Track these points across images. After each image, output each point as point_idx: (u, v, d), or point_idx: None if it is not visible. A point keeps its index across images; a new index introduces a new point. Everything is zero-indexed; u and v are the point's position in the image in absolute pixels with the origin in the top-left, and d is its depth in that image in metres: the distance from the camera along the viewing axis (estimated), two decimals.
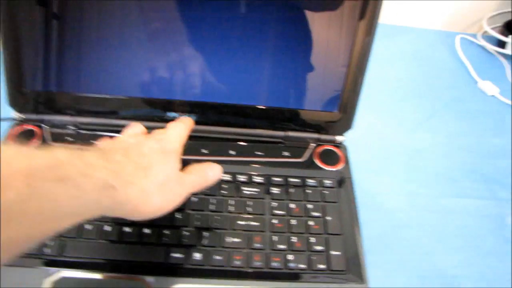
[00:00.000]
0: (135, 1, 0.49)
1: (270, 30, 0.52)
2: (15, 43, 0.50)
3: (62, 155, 0.32)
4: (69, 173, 0.31)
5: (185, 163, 0.50)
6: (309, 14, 0.50)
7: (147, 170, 0.37)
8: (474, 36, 0.90)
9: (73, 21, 0.50)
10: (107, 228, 0.46)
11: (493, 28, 0.89)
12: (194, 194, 0.49)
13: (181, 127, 0.46)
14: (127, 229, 0.46)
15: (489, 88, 0.78)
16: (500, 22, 0.90)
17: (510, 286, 0.50)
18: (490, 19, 0.91)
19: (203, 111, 0.54)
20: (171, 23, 0.52)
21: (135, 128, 0.47)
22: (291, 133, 0.56)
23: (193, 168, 0.43)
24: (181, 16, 0.51)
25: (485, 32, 0.89)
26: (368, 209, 0.53)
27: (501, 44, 0.87)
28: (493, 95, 0.77)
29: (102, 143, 0.42)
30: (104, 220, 0.46)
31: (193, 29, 0.52)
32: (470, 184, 0.61)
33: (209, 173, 0.43)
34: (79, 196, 0.31)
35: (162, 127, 0.49)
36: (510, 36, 0.84)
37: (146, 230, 0.46)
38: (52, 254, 0.44)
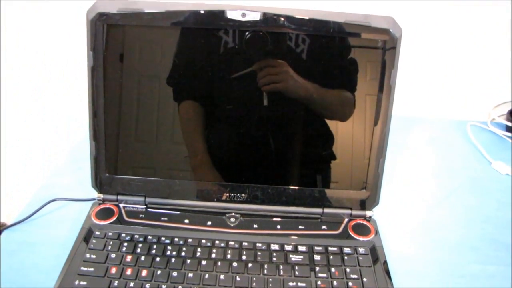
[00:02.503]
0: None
1: (300, 126, 0.65)
2: (101, 138, 0.64)
3: None
4: None
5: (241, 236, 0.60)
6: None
7: None
8: (484, 123, 1.00)
9: (145, 119, 0.64)
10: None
11: (500, 116, 1.00)
12: (250, 261, 0.58)
13: None
14: None
15: (502, 167, 0.86)
16: (505, 110, 1.01)
17: None
18: (497, 108, 1.02)
19: (252, 193, 0.65)
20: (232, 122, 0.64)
21: None
22: (328, 210, 0.65)
23: None
24: (241, 114, 0.64)
25: (493, 119, 1.00)
26: (398, 275, 0.60)
27: (509, 129, 0.97)
28: (506, 174, 0.85)
29: None
30: (176, 281, 0.56)
31: (236, 130, 0.64)
32: (492, 252, 0.67)
33: None
34: None
35: (218, 207, 0.60)
36: None
37: None
38: None
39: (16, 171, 1.20)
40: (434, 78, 1.03)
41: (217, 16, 0.57)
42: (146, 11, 0.58)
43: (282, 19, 0.57)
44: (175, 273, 0.56)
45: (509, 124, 0.97)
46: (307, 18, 0.58)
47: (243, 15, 0.57)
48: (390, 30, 0.58)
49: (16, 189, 1.20)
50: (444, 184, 0.82)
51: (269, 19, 0.57)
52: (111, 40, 0.60)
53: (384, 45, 0.59)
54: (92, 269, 0.57)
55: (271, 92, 0.62)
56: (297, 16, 0.58)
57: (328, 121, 0.64)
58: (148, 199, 0.66)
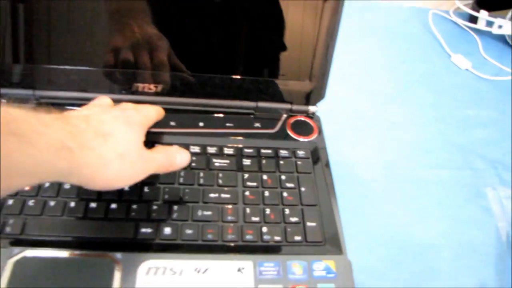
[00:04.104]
0: None
1: (238, 4, 0.50)
2: None
3: (15, 112, 0.30)
4: (22, 129, 0.29)
5: (153, 138, 0.48)
6: None
7: (107, 137, 0.35)
8: (447, 12, 0.90)
9: None
10: (72, 204, 0.43)
11: (465, 5, 0.89)
12: None
13: (150, 109, 0.44)
14: (93, 204, 0.43)
15: (462, 62, 0.77)
16: None
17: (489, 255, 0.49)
18: None
19: (171, 82, 0.52)
20: None
21: (101, 100, 0.45)
22: (262, 104, 0.54)
23: (162, 148, 0.41)
24: None
25: (457, 8, 0.89)
26: (344, 181, 0.51)
27: (473, 20, 0.86)
28: (466, 69, 0.77)
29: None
30: (68, 196, 0.44)
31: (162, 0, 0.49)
32: (446, 155, 0.60)
33: (177, 157, 0.42)
34: (33, 154, 0.29)
35: (128, 100, 0.47)
36: (481, 11, 0.83)
37: (113, 206, 0.43)
38: (14, 232, 0.41)
39: None
40: None
41: None
42: None
43: None
44: (66, 186, 0.45)
45: (473, 13, 0.86)
46: None
47: None
48: None
49: None
50: (399, 77, 0.72)
51: None
52: None
53: None
54: None
55: None
56: None
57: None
58: (38, 93, 0.51)
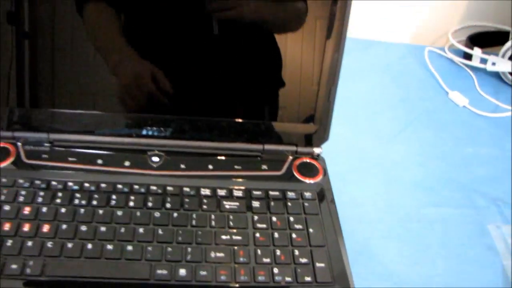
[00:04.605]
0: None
1: (242, 48, 0.53)
2: None
3: None
4: None
5: (164, 181, 0.49)
6: (279, 33, 0.52)
7: None
8: (442, 49, 0.93)
9: (45, 38, 0.50)
10: (89, 245, 0.45)
11: (458, 42, 0.92)
12: (175, 210, 0.48)
13: None
14: (109, 246, 0.44)
15: (459, 99, 0.80)
16: (464, 36, 0.93)
17: None
18: (455, 33, 0.95)
19: (179, 125, 0.54)
20: (144, 39, 0.52)
21: None
22: (269, 146, 0.56)
23: None
24: (155, 33, 0.52)
25: (452, 45, 0.92)
26: (350, 221, 0.53)
27: (468, 57, 0.89)
28: (464, 106, 0.79)
29: None
30: (85, 238, 0.45)
31: (167, 47, 0.52)
32: (448, 193, 0.61)
33: None
34: None
35: (138, 144, 0.49)
36: (475, 48, 0.86)
37: (129, 247, 0.45)
38: (34, 274, 0.42)
39: None
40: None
41: None
42: None
43: None
44: (83, 228, 0.46)
45: (467, 50, 0.89)
46: None
47: None
48: None
49: None
50: (399, 116, 0.74)
51: None
52: None
53: None
54: None
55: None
56: None
57: (277, 43, 0.53)
58: (52, 136, 0.54)
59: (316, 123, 0.55)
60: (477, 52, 0.86)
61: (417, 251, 0.53)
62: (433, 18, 0.98)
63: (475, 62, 0.88)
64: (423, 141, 0.70)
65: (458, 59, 0.90)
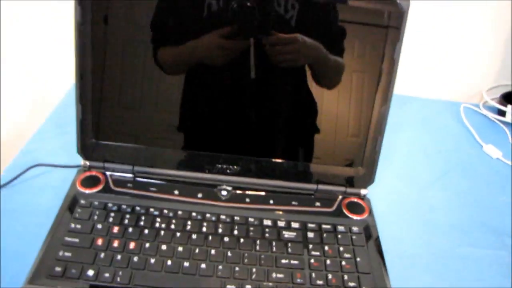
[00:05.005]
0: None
1: (302, 102, 0.63)
2: (87, 101, 0.60)
3: None
4: None
5: (231, 212, 0.58)
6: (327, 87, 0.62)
7: None
8: (477, 105, 1.00)
9: (134, 84, 0.61)
10: (169, 262, 0.53)
11: (492, 99, 0.99)
12: (242, 236, 0.56)
13: None
14: (186, 263, 0.53)
15: (493, 151, 0.86)
16: (498, 94, 1.00)
17: None
18: (490, 91, 1.02)
19: (246, 166, 0.63)
20: (219, 90, 0.62)
21: None
22: (322, 186, 0.64)
23: None
24: (229, 83, 0.61)
25: (486, 102, 0.99)
26: (392, 254, 0.59)
27: (501, 113, 0.96)
28: (497, 158, 0.85)
29: None
30: (165, 255, 0.54)
31: (241, 101, 0.62)
32: (481, 236, 0.67)
33: None
34: None
35: (210, 179, 0.58)
36: (508, 106, 0.93)
37: (203, 265, 0.53)
38: (123, 282, 0.51)
39: None
40: (430, 58, 1.02)
41: None
42: None
43: None
44: (164, 247, 0.55)
45: (501, 107, 0.96)
46: None
47: None
48: (398, 1, 0.56)
49: None
50: (436, 165, 0.81)
51: None
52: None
53: (390, 17, 0.57)
54: (77, 239, 0.54)
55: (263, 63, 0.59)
56: None
57: (326, 96, 0.62)
58: (136, 168, 0.63)
59: (364, 167, 0.63)
60: (509, 109, 0.93)
61: (451, 285, 0.59)
62: (469, 77, 1.05)
63: (508, 118, 0.95)
64: (459, 188, 0.76)
65: (492, 115, 0.97)
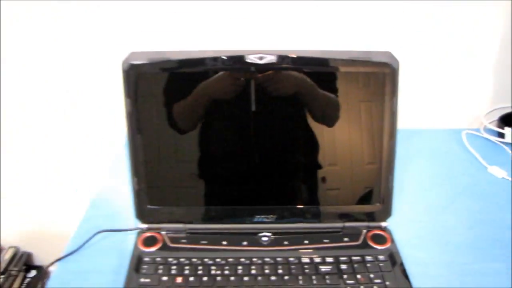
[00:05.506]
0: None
1: (314, 148, 0.73)
2: (141, 173, 0.72)
3: None
4: None
5: (272, 254, 0.68)
6: (344, 137, 0.73)
7: None
8: (478, 130, 1.10)
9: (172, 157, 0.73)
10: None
11: (491, 122, 1.09)
12: (286, 274, 0.67)
13: None
14: None
15: (498, 172, 0.95)
16: (497, 116, 1.10)
17: None
18: (488, 115, 1.11)
19: (281, 213, 0.74)
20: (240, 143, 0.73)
21: None
22: (348, 224, 0.74)
23: None
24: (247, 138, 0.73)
25: (485, 126, 1.09)
26: (416, 277, 0.68)
27: (501, 135, 1.05)
28: (502, 177, 0.94)
29: None
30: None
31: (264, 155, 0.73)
32: (494, 251, 0.76)
33: None
34: None
35: (251, 228, 0.70)
36: (505, 128, 1.03)
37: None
38: None
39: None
40: (428, 92, 1.12)
41: (238, 59, 0.66)
42: (173, 59, 0.67)
43: (294, 59, 0.67)
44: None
45: (500, 130, 1.05)
46: (316, 56, 0.67)
47: (260, 58, 0.66)
48: (389, 63, 0.67)
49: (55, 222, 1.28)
50: (446, 191, 0.90)
51: (283, 59, 0.66)
52: (143, 87, 0.68)
53: (384, 77, 0.68)
54: None
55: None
56: (307, 56, 0.67)
57: (340, 141, 0.72)
58: (188, 226, 0.74)
59: (381, 204, 0.73)
60: (508, 131, 1.03)
61: None
62: (467, 104, 1.14)
63: (508, 139, 1.04)
64: (470, 210, 0.85)
65: (493, 138, 1.06)
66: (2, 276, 1.37)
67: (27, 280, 1.44)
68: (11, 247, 1.46)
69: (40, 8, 1.04)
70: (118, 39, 1.06)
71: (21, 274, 1.43)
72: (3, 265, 1.40)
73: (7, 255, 1.43)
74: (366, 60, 0.67)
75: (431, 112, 1.15)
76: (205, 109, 0.70)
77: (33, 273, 1.46)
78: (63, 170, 1.28)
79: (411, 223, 0.81)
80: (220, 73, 0.67)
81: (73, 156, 1.25)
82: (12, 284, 1.39)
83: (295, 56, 0.67)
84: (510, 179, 0.93)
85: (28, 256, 1.48)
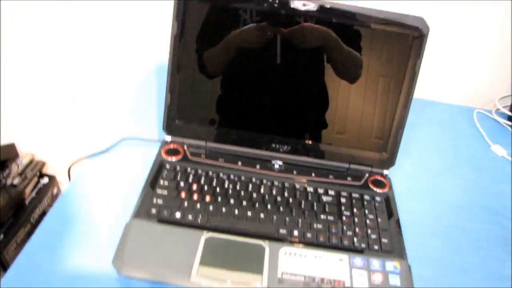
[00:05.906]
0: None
1: (335, 100, 0.79)
2: (176, 91, 0.79)
3: None
4: None
5: (281, 180, 0.75)
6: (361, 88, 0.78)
7: None
8: (490, 111, 1.14)
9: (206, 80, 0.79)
10: (236, 211, 0.71)
11: (504, 107, 1.14)
12: (291, 197, 0.75)
13: None
14: (249, 213, 0.71)
15: (499, 150, 1.01)
16: (510, 102, 1.15)
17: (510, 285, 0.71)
18: (502, 99, 1.16)
19: (295, 146, 0.80)
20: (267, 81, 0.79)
21: None
22: (353, 166, 0.81)
23: None
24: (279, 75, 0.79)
25: (498, 109, 1.14)
26: (406, 222, 0.76)
27: (511, 118, 1.10)
28: (502, 156, 1.00)
29: None
30: (234, 206, 0.72)
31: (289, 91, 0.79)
32: (481, 214, 0.83)
33: None
34: None
35: (266, 155, 0.76)
36: None
37: (262, 215, 0.71)
38: (202, 223, 0.69)
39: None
40: (449, 66, 1.16)
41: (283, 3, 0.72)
42: None
43: (333, 10, 0.72)
44: (232, 201, 0.73)
45: (511, 114, 1.10)
46: (355, 11, 0.73)
47: (304, 5, 0.72)
48: (420, 27, 0.72)
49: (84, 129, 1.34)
50: (448, 158, 0.97)
51: (323, 9, 0.72)
52: (190, 15, 0.74)
53: (413, 39, 0.73)
54: (166, 192, 0.73)
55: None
56: (343, 8, 0.72)
57: (354, 94, 0.78)
58: (208, 144, 0.81)
59: (387, 153, 0.80)
60: None
61: (453, 248, 0.75)
62: (484, 85, 1.19)
63: None
64: (466, 178, 0.92)
65: (503, 121, 1.11)
66: (19, 177, 1.47)
67: (39, 186, 1.55)
68: (28, 153, 1.55)
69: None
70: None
71: (35, 179, 1.53)
72: (21, 168, 1.50)
73: (25, 160, 1.53)
74: (398, 21, 0.72)
75: (448, 87, 1.19)
76: (233, 57, 0.77)
77: (45, 180, 1.57)
78: None
79: (410, 178, 0.88)
80: (251, 24, 0.74)
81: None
82: (26, 186, 1.48)
83: (334, 7, 0.72)
84: (509, 158, 0.99)
85: (42, 164, 1.57)
